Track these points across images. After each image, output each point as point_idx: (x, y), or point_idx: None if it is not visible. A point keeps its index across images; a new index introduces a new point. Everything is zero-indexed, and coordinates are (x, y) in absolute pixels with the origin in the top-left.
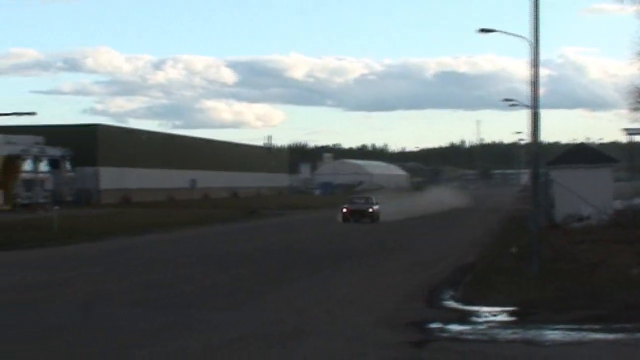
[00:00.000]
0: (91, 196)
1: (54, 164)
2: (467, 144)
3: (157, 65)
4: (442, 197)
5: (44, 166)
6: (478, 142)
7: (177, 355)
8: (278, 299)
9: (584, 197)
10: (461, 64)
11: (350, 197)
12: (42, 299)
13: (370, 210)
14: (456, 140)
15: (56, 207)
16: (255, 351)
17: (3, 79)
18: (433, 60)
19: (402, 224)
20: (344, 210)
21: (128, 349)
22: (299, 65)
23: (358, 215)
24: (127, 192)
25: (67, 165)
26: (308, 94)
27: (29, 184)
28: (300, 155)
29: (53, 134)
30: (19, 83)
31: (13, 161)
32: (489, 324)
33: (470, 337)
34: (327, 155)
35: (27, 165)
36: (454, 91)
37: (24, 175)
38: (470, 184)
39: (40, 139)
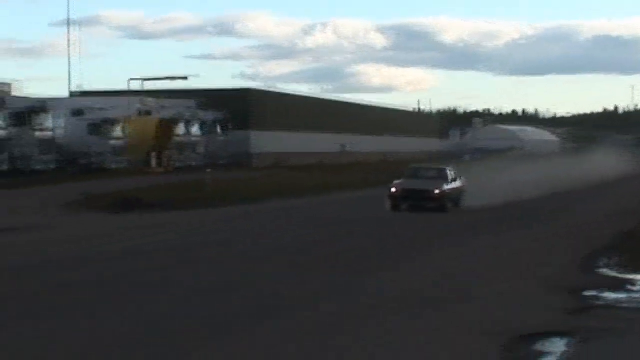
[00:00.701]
0: (246, 159)
1: (210, 127)
2: (625, 109)
3: (311, 29)
4: (600, 164)
5: (199, 129)
6: (636, 107)
7: (324, 318)
8: (429, 263)
9: None
10: (619, 27)
11: (412, 167)
12: (198, 260)
13: (437, 191)
14: (613, 105)
15: (212, 170)
16: (407, 316)
17: (160, 43)
18: (590, 23)
19: (556, 193)
20: (393, 190)
21: (278, 310)
22: (452, 28)
23: (415, 198)
24: (282, 155)
25: (223, 129)
26: (461, 58)
27: (185, 146)
28: (454, 120)
29: (209, 98)
30: (175, 47)
31: (170, 124)
32: None
33: (629, 305)
34: (480, 119)
35: (184, 128)
36: (612, 55)
37: (180, 138)
38: (628, 150)
39: (196, 102)
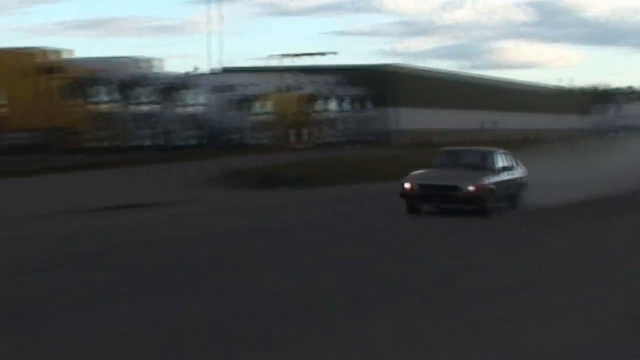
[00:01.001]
0: (385, 137)
1: (349, 104)
2: None
3: (449, 5)
4: None
5: (339, 106)
6: None
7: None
8: (559, 243)
9: None
10: None
11: (444, 151)
12: (344, 235)
13: (471, 187)
14: None
15: (355, 146)
16: (545, 297)
17: (298, 19)
18: None
19: None
20: (406, 186)
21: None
22: (597, 4)
23: (438, 198)
24: (421, 133)
25: (362, 106)
26: (606, 34)
27: (325, 123)
28: (597, 97)
29: (347, 75)
30: (312, 24)
31: (310, 101)
32: None
33: None
34: (625, 97)
35: (323, 105)
36: None
37: (319, 114)
38: None
39: (340, 78)
